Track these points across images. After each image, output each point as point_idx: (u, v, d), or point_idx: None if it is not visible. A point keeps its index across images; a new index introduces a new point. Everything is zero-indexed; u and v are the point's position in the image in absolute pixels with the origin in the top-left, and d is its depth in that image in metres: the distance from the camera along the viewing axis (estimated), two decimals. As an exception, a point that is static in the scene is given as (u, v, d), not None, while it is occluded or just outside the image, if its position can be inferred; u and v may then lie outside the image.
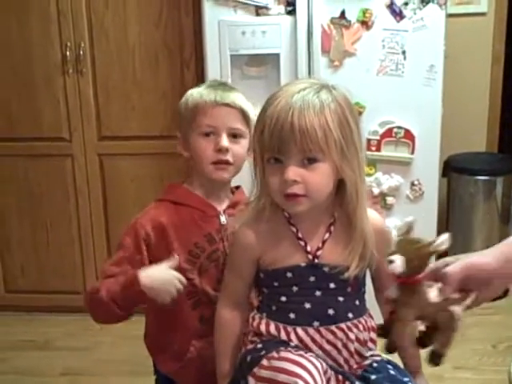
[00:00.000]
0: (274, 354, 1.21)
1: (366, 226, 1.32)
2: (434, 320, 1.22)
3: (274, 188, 1.28)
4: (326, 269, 1.32)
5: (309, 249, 1.33)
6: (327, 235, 1.34)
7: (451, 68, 2.71)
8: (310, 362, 1.19)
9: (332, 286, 1.32)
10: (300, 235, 1.34)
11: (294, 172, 1.24)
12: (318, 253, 1.33)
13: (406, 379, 1.30)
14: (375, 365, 1.32)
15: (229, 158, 1.53)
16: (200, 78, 2.78)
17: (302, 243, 1.33)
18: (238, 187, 1.70)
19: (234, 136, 1.55)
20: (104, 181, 3.06)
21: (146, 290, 1.45)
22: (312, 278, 1.32)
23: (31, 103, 2.98)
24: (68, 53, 2.89)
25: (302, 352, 1.22)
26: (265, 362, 1.22)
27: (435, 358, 1.21)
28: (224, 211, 1.60)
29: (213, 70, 2.64)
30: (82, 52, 2.88)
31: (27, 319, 3.20)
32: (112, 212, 3.07)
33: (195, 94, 1.58)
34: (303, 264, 1.32)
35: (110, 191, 3.06)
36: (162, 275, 1.47)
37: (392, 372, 1.31)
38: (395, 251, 1.20)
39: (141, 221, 1.56)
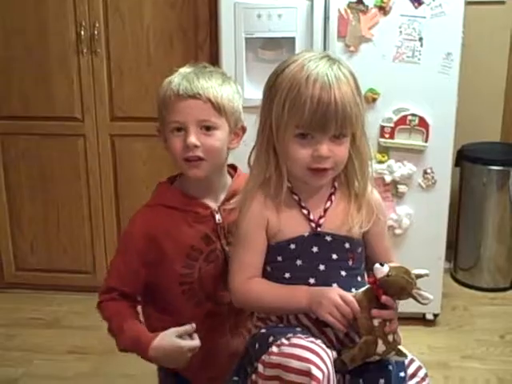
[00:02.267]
0: (284, 341, 1.21)
1: (371, 193, 1.39)
2: (359, 336, 1.27)
3: (300, 162, 1.29)
4: (328, 238, 1.34)
5: (312, 217, 1.35)
6: (328, 204, 1.36)
7: (468, 56, 2.68)
8: (321, 348, 1.19)
9: (334, 256, 1.34)
10: (303, 204, 1.35)
11: (328, 148, 1.27)
12: (321, 221, 1.35)
13: (401, 374, 1.31)
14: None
15: (199, 154, 1.44)
16: (214, 61, 2.76)
17: (305, 212, 1.35)
18: (235, 168, 1.63)
19: (207, 128, 1.45)
20: (115, 161, 3.06)
21: (153, 360, 1.47)
22: (315, 249, 1.33)
23: (45, 82, 2.98)
24: (82, 32, 2.87)
25: (312, 338, 1.22)
26: (274, 348, 1.21)
27: (338, 365, 1.24)
28: (219, 207, 1.54)
29: (227, 53, 2.63)
30: (96, 32, 2.86)
31: (36, 297, 3.22)
32: (123, 192, 3.08)
33: (165, 84, 1.48)
34: (306, 234, 1.34)
35: (121, 172, 3.06)
36: (171, 351, 1.44)
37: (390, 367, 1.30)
38: (391, 266, 1.27)
39: (133, 231, 1.53)
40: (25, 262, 3.25)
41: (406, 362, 1.38)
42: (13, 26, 2.93)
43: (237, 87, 1.54)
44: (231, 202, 1.48)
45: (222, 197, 1.56)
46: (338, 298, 1.24)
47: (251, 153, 1.38)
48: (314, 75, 1.24)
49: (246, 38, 2.60)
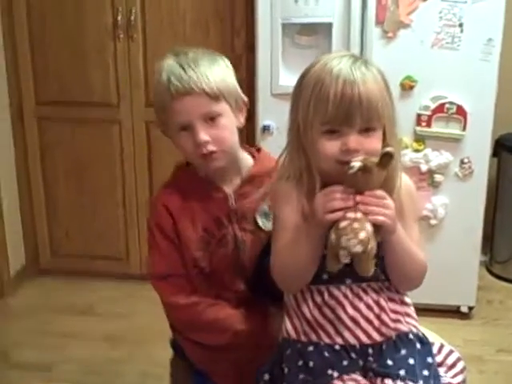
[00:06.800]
0: None
1: (399, 187, 1.32)
2: None
3: (329, 156, 1.26)
4: None
5: None
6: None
7: (509, 42, 2.62)
8: None
9: None
10: None
11: (356, 142, 1.24)
12: None
13: (429, 360, 1.29)
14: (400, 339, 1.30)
15: (212, 148, 1.42)
16: (250, 47, 2.75)
17: None
18: (258, 149, 1.60)
19: (212, 119, 1.42)
20: (150, 148, 3.07)
21: None
22: None
23: (82, 68, 3.00)
24: (119, 18, 2.89)
25: None
26: None
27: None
28: (235, 192, 1.51)
29: (263, 39, 2.61)
30: (133, 17, 2.88)
31: (71, 283, 3.23)
32: (157, 179, 3.06)
33: (158, 84, 1.44)
34: None
35: (156, 158, 3.07)
36: None
37: (418, 348, 1.29)
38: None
39: (156, 213, 1.52)
40: (60, 248, 3.29)
41: (445, 351, 1.39)
42: (50, 11, 2.96)
43: (225, 62, 1.48)
44: (259, 191, 1.44)
45: (238, 180, 1.54)
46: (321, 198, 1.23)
47: (283, 152, 1.35)
48: (336, 70, 1.24)
49: (283, 24, 2.58)
